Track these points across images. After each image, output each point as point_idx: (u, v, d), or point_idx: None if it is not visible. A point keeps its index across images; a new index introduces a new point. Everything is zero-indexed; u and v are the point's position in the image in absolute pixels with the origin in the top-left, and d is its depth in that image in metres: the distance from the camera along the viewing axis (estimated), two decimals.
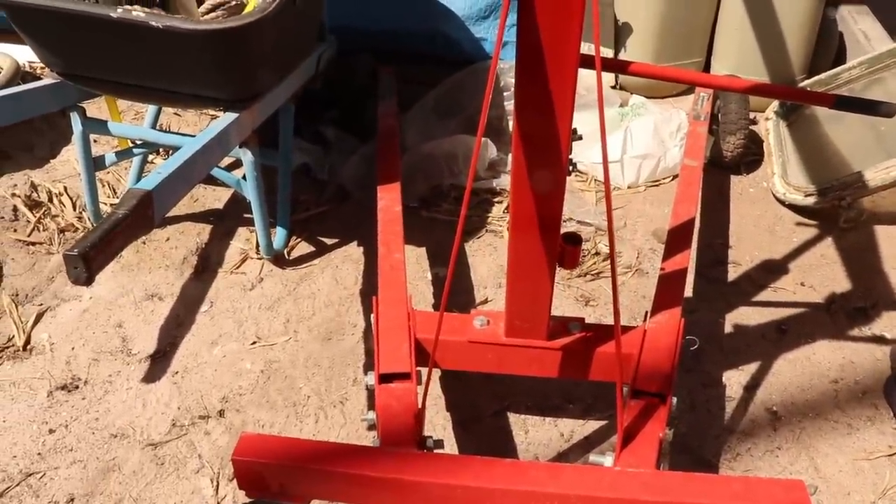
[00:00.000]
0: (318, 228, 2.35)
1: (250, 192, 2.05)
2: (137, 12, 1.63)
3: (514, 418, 1.83)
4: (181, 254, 2.25)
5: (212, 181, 2.44)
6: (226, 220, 2.37)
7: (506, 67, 2.63)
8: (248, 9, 2.15)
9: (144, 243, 2.27)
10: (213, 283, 2.18)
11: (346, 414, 1.84)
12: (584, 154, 2.51)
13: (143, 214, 1.40)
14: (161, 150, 2.46)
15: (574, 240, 1.42)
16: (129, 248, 2.25)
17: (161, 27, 1.62)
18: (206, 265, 2.22)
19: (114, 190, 2.44)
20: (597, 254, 2.25)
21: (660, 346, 1.55)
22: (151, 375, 1.94)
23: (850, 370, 1.95)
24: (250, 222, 2.34)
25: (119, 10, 1.64)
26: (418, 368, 1.51)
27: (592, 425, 1.82)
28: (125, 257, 2.22)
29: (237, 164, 2.48)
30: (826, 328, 2.05)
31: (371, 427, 1.47)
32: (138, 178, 2.35)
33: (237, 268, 2.22)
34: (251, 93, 1.87)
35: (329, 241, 2.31)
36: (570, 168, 1.32)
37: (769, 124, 2.58)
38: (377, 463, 1.30)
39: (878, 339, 2.02)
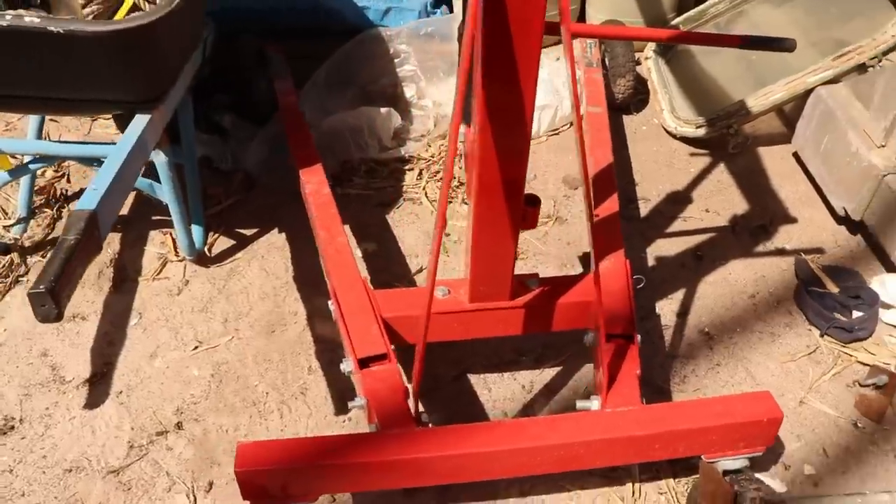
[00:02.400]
0: (233, 220, 2.28)
1: (167, 195, 1.96)
2: (31, 17, 1.50)
3: (474, 379, 1.88)
4: (95, 268, 2.12)
5: None
6: (134, 227, 2.25)
7: (393, 34, 2.62)
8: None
9: None
10: (136, 293, 2.07)
11: (309, 403, 1.82)
12: None
13: (92, 236, 1.32)
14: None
15: (533, 201, 1.46)
16: (34, 271, 2.10)
17: (62, 32, 1.50)
18: (125, 276, 2.11)
19: (4, 211, 2.25)
20: None
21: (615, 290, 1.63)
22: (94, 400, 1.84)
23: (763, 284, 2.13)
24: (160, 225, 2.24)
25: (8, 17, 1.50)
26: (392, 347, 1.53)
27: (548, 373, 1.90)
28: (32, 281, 2.07)
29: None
30: (735, 248, 2.22)
31: (344, 410, 1.47)
32: (30, 196, 2.18)
33: (158, 274, 2.12)
34: (159, 90, 1.77)
35: (248, 232, 2.25)
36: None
37: (650, 63, 2.71)
38: (385, 447, 1.31)
39: (781, 252, 2.22)
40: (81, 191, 2.28)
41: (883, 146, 2.08)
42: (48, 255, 1.25)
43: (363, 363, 1.49)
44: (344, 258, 1.72)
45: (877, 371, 1.89)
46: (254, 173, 2.38)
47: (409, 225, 2.28)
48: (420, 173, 2.43)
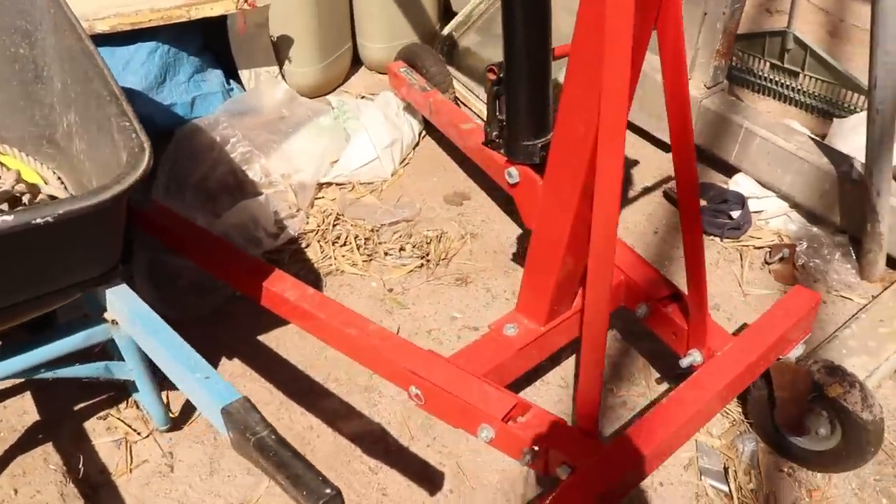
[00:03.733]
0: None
1: (135, 367, 1.68)
2: (4, 217, 1.21)
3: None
4: (52, 492, 1.73)
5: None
6: (60, 428, 1.86)
7: (211, 122, 2.45)
8: None
9: None
10: (122, 495, 1.75)
11: (396, 499, 1.73)
12: (337, 167, 2.54)
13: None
14: None
15: None
16: None
17: (52, 220, 1.23)
18: (95, 483, 1.76)
19: None
20: (430, 241, 2.36)
21: (636, 262, 1.81)
22: None
23: (655, 220, 2.47)
24: (90, 413, 1.91)
25: None
26: None
27: (568, 364, 2.02)
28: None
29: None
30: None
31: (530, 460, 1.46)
32: None
33: (132, 462, 1.80)
34: (119, 257, 1.52)
35: None
36: None
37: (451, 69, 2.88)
38: (610, 471, 1.36)
39: (646, 191, 2.58)
40: None
41: (690, 79, 2.52)
42: (270, 469, 1.05)
43: (507, 420, 1.48)
44: (396, 341, 1.66)
45: (777, 248, 2.34)
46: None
47: (349, 297, 2.21)
48: (320, 246, 2.34)
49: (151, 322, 1.36)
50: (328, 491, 0.98)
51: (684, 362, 1.65)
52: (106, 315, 1.54)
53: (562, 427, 1.46)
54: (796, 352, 1.75)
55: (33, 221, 1.22)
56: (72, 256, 1.36)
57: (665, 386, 1.98)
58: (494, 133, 1.58)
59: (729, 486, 1.76)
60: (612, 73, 1.18)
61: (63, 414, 1.89)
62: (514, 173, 1.56)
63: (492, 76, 1.52)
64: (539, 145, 1.53)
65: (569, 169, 1.40)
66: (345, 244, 2.35)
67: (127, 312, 1.42)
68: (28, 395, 1.93)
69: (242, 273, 1.88)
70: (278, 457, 1.04)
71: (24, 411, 1.90)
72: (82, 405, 1.91)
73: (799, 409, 1.74)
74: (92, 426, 1.87)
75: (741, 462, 1.81)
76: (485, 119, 1.64)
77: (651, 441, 1.42)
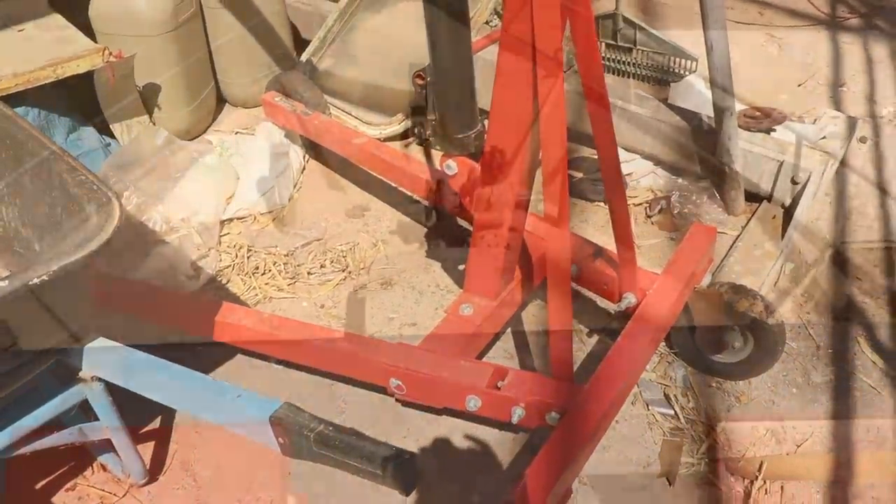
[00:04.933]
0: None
1: (112, 423, 1.65)
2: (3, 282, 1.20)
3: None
4: None
5: None
6: None
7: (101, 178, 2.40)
8: None
9: None
10: None
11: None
12: (235, 203, 2.57)
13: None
14: None
15: None
16: None
17: (47, 278, 1.23)
18: None
19: None
20: (345, 255, 2.45)
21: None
22: None
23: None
24: (53, 488, 1.84)
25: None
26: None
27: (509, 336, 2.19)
28: None
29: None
30: None
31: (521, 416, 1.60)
32: None
33: None
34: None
35: (154, 425, 1.97)
36: None
37: None
38: (592, 405, 1.53)
39: None
40: None
41: None
42: (338, 455, 1.11)
43: (492, 387, 1.62)
44: (366, 340, 1.76)
45: (654, 202, 2.63)
46: None
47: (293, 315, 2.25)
48: (241, 279, 2.36)
49: (153, 364, 1.37)
50: (406, 456, 1.07)
51: (622, 304, 1.86)
52: (82, 374, 1.52)
53: (542, 380, 1.62)
54: (705, 281, 2.01)
55: (30, 282, 1.21)
56: (54, 315, 1.35)
57: (596, 338, 2.19)
58: (428, 132, 1.71)
59: (673, 408, 1.99)
60: (545, 42, 1.35)
61: (25, 496, 1.81)
62: (452, 165, 1.70)
63: (420, 81, 1.65)
64: (472, 136, 1.68)
65: (506, 142, 1.56)
66: (265, 272, 2.38)
67: (119, 362, 1.41)
68: None
69: (191, 314, 1.89)
70: (343, 442, 1.11)
71: None
72: (43, 482, 1.84)
73: (717, 330, 2.00)
74: (61, 500, 1.81)
75: (677, 387, 2.05)
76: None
77: (621, 374, 1.61)
